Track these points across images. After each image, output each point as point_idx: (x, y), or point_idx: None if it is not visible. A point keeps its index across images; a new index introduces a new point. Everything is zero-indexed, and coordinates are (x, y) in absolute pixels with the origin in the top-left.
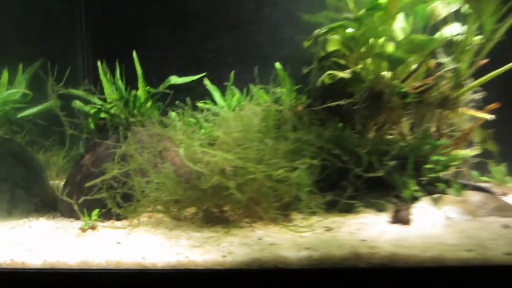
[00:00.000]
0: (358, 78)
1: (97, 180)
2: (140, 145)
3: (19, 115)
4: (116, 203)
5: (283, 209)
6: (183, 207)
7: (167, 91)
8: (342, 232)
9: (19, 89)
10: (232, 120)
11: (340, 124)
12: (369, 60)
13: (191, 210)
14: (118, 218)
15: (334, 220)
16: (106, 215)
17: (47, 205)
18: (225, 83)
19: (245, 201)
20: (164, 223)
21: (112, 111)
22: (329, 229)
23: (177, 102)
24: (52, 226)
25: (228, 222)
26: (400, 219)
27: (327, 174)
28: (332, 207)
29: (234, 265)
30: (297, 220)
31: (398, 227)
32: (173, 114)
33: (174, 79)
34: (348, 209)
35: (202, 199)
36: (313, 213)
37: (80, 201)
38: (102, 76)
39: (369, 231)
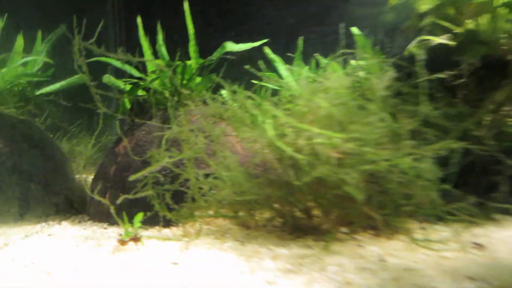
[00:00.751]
0: (474, 41)
1: (142, 173)
2: (195, 127)
3: (38, 92)
4: (166, 205)
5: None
6: (254, 210)
7: (229, 56)
8: (504, 253)
9: (37, 57)
10: (318, 94)
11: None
12: (484, 18)
13: (263, 215)
14: (167, 224)
15: (473, 232)
16: (150, 220)
17: (72, 205)
18: (288, 54)
19: (363, 202)
20: (231, 233)
21: (155, 86)
22: (478, 246)
23: (247, 66)
24: (79, 235)
25: (320, 231)
26: None
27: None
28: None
29: None
30: (416, 231)
31: None
32: (224, 92)
33: (230, 46)
34: (482, 216)
35: (287, 199)
36: (428, 221)
37: (117, 201)
38: (142, 39)
39: None
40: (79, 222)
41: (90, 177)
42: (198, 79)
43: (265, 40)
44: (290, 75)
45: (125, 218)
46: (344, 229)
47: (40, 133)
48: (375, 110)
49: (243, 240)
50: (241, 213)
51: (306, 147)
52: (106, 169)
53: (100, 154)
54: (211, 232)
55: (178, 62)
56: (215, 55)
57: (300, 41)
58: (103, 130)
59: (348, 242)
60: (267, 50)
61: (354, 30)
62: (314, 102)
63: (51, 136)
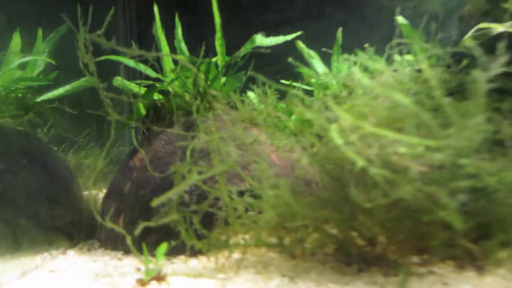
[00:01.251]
0: None
1: (168, 195)
2: (226, 135)
3: (39, 99)
4: (193, 231)
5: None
6: (303, 236)
7: (264, 50)
8: None
9: (38, 57)
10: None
11: None
12: None
13: (309, 240)
14: (194, 252)
15: None
16: (174, 248)
17: (80, 229)
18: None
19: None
20: (275, 265)
21: (174, 87)
22: None
23: (290, 58)
24: (88, 270)
25: (386, 262)
26: None
27: None
28: None
29: None
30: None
31: None
32: (251, 94)
33: (260, 40)
34: None
35: (347, 224)
36: None
37: (132, 224)
38: (159, 33)
39: None
40: (88, 250)
41: (101, 194)
42: (223, 79)
43: (299, 33)
44: (326, 72)
45: (145, 250)
46: (415, 259)
47: (41, 146)
48: (473, 110)
49: (292, 274)
50: (286, 240)
51: (378, 158)
52: (119, 186)
53: (111, 167)
54: (250, 264)
55: (202, 59)
56: (243, 51)
57: (339, 33)
58: (114, 140)
59: (427, 277)
60: (301, 45)
61: (400, 19)
62: (377, 101)
63: (55, 148)
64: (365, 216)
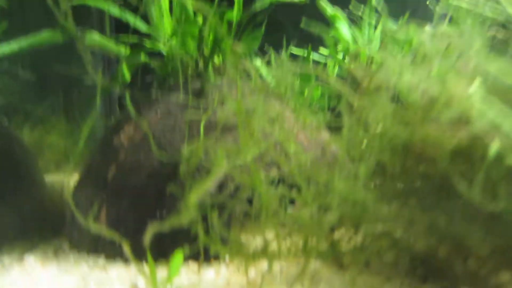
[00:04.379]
0: None
1: (206, 188)
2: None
3: None
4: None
5: None
6: (368, 244)
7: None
8: None
9: None
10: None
11: None
12: None
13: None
14: (207, 257)
15: None
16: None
17: (41, 225)
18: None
19: None
20: (320, 276)
21: (172, 47)
22: None
23: None
24: None
25: (468, 276)
26: None
27: None
28: None
29: None
30: None
31: None
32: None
33: None
34: None
35: (437, 230)
36: None
37: (118, 222)
38: None
39: None
40: (55, 254)
41: (65, 178)
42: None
43: None
44: (356, 36)
45: (150, 259)
46: (506, 274)
47: None
48: None
49: None
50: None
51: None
52: (100, 171)
53: (83, 147)
54: (290, 277)
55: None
56: (259, 5)
57: None
58: (83, 111)
59: None
60: (323, 3)
61: None
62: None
63: (6, 121)
64: (467, 223)
